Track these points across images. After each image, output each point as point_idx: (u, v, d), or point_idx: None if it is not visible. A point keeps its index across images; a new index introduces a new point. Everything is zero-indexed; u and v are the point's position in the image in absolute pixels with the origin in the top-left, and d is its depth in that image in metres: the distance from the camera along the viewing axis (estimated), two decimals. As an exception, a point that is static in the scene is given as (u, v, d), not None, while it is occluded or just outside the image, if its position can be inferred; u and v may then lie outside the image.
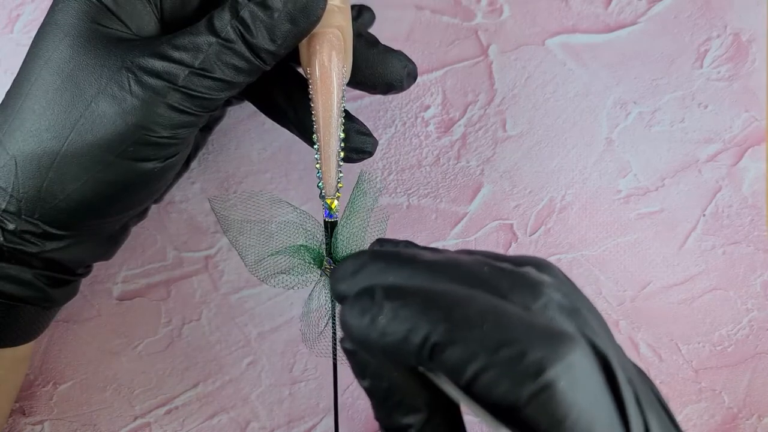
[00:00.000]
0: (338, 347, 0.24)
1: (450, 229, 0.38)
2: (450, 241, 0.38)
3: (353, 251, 0.29)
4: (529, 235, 0.38)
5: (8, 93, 0.28)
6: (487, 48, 0.38)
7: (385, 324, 0.20)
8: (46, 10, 0.28)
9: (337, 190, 0.29)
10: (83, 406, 0.38)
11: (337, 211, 0.30)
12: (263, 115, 0.38)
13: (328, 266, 0.29)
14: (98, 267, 0.36)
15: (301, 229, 0.29)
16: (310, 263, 0.29)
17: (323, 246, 0.29)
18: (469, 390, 0.19)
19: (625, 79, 0.38)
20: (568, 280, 0.23)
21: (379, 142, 0.38)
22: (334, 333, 0.30)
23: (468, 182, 0.38)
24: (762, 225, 0.39)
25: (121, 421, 0.38)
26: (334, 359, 0.30)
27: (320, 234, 0.29)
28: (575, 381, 0.19)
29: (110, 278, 0.37)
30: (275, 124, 0.38)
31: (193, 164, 0.38)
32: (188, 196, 0.38)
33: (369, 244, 0.28)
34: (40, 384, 0.37)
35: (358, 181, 0.29)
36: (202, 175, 0.38)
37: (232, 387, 0.38)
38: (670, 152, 0.38)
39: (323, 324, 0.30)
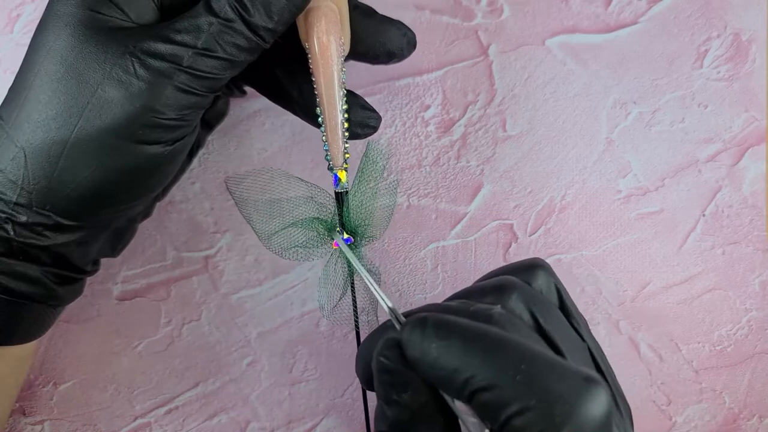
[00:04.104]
0: (375, 358, 0.26)
1: (450, 229, 0.38)
2: (450, 242, 0.38)
3: (364, 220, 0.30)
4: (529, 235, 0.38)
5: (12, 87, 0.28)
6: (487, 48, 0.38)
7: (435, 359, 0.24)
8: (46, 9, 0.28)
9: (345, 161, 0.30)
10: (83, 406, 0.38)
11: (346, 182, 0.30)
12: (263, 115, 0.38)
13: (342, 236, 0.30)
14: (98, 267, 0.37)
15: (312, 201, 0.30)
16: (323, 235, 0.30)
17: (335, 217, 0.30)
18: (500, 430, 0.22)
19: (625, 79, 0.38)
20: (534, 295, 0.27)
21: (379, 143, 0.38)
22: (355, 302, 0.31)
23: (468, 182, 0.38)
24: (762, 225, 0.39)
25: (121, 421, 0.38)
26: (356, 327, 0.31)
27: (332, 205, 0.30)
28: None
29: (110, 278, 0.37)
30: (275, 123, 0.38)
31: (194, 164, 0.38)
32: (188, 196, 0.38)
33: (378, 213, 0.30)
34: (40, 384, 0.37)
35: (366, 150, 0.30)
36: (202, 175, 0.38)
37: (232, 387, 0.38)
38: (670, 152, 0.38)
39: (339, 294, 0.31)
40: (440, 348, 0.23)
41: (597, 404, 0.22)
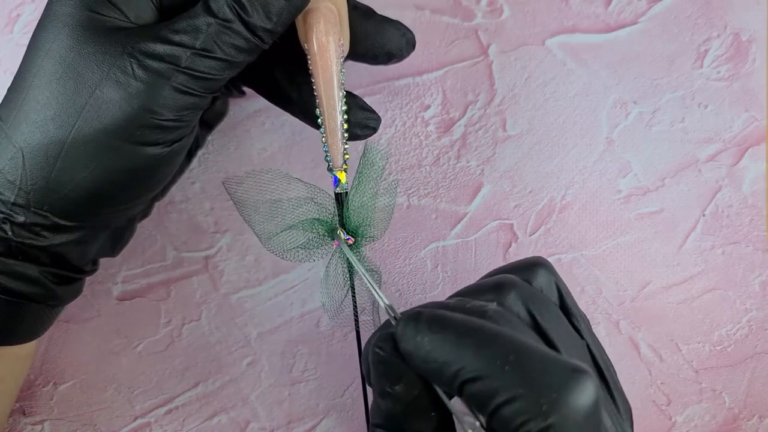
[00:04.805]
0: (370, 350, 0.26)
1: (450, 229, 0.38)
2: (450, 242, 0.38)
3: (365, 220, 0.31)
4: (529, 235, 0.38)
5: (11, 87, 0.28)
6: (487, 48, 0.38)
7: (427, 352, 0.24)
8: (46, 10, 0.28)
9: (345, 162, 0.30)
10: (83, 406, 0.38)
11: (346, 183, 0.30)
12: (263, 115, 0.38)
13: (342, 237, 0.30)
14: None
15: (312, 202, 0.30)
16: (324, 236, 0.30)
17: (335, 218, 0.30)
18: (489, 419, 0.23)
19: (625, 79, 0.38)
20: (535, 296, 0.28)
21: (379, 143, 0.38)
22: (355, 302, 0.31)
23: (468, 182, 0.38)
24: (762, 225, 0.39)
25: (121, 421, 0.38)
26: (357, 327, 0.31)
27: (332, 206, 0.30)
28: (578, 422, 0.22)
29: (110, 278, 0.37)
30: (275, 123, 0.38)
31: (193, 164, 0.38)
32: (188, 196, 0.38)
33: (378, 213, 0.30)
34: (40, 384, 0.37)
35: (364, 152, 0.30)
36: (202, 175, 0.38)
37: (232, 387, 0.38)
38: (670, 152, 0.38)
39: (342, 294, 0.31)
40: (433, 341, 0.24)
41: (584, 394, 0.22)
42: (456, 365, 0.23)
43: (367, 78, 0.38)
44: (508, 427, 0.22)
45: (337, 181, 0.30)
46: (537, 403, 0.22)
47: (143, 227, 0.37)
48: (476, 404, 0.23)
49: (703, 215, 0.39)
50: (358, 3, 0.31)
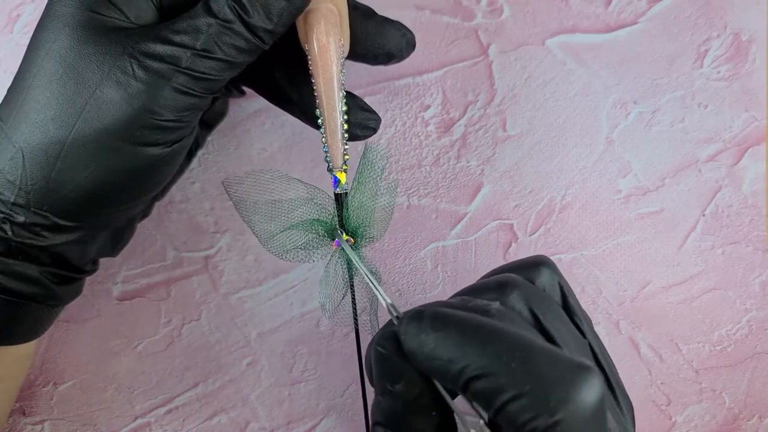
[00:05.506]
0: (372, 348, 0.26)
1: (450, 229, 0.38)
2: (450, 241, 0.38)
3: (364, 221, 0.30)
4: (529, 235, 0.38)
5: (11, 87, 0.28)
6: (487, 48, 0.38)
7: (431, 350, 0.24)
8: (46, 10, 0.28)
9: (345, 162, 0.30)
10: (83, 406, 0.38)
11: (346, 183, 0.30)
12: (263, 115, 0.38)
13: (343, 237, 0.30)
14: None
15: (312, 203, 0.30)
16: (323, 236, 0.30)
17: (335, 218, 0.30)
18: (495, 416, 0.23)
19: (625, 79, 0.38)
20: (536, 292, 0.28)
21: (379, 143, 0.38)
22: (354, 302, 0.31)
23: (468, 182, 0.38)
24: (762, 225, 0.39)
25: (121, 421, 0.38)
26: (356, 327, 0.31)
27: (331, 207, 0.30)
28: (585, 418, 0.22)
29: (110, 278, 0.37)
30: (275, 123, 0.38)
31: (193, 164, 0.38)
32: (188, 196, 0.38)
33: (378, 214, 0.30)
34: (40, 384, 0.37)
35: (364, 152, 0.30)
36: (202, 175, 0.38)
37: (232, 387, 0.38)
38: (670, 152, 0.38)
39: (341, 294, 0.31)
40: (437, 339, 0.24)
41: (591, 390, 0.22)
42: (461, 362, 0.23)
43: (367, 78, 0.38)
44: (514, 423, 0.22)
45: (336, 182, 0.30)
46: (545, 400, 0.22)
47: (143, 227, 0.37)
48: (482, 401, 0.23)
49: (703, 215, 0.39)
50: (359, 3, 0.31)
